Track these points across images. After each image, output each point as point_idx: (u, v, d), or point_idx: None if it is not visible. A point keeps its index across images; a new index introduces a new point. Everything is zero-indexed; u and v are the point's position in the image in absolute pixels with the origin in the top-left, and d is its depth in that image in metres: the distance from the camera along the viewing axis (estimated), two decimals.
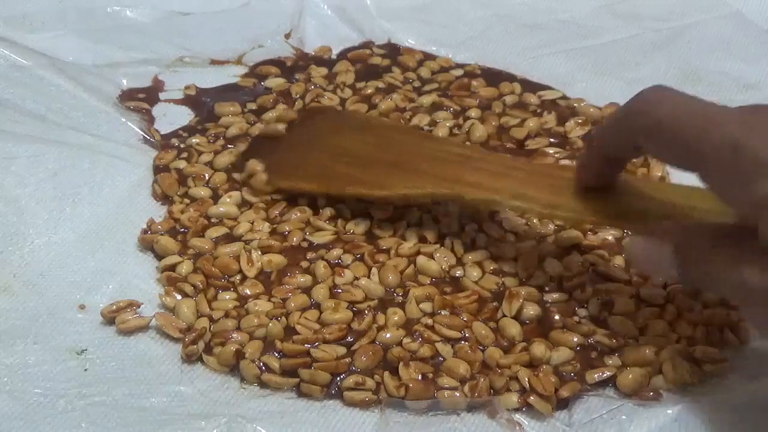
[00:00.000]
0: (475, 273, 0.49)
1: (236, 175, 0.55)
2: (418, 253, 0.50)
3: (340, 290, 0.47)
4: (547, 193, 0.45)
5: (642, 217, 0.43)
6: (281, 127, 0.57)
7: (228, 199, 0.53)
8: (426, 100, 0.62)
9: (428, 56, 0.68)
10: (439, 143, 0.54)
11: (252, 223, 0.52)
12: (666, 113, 0.38)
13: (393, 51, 0.68)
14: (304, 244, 0.50)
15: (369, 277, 0.48)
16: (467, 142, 0.57)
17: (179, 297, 0.47)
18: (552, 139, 0.59)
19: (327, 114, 0.59)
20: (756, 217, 0.34)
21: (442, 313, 0.46)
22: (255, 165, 0.54)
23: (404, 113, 0.61)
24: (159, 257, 0.50)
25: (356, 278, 0.48)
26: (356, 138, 0.54)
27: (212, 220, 0.52)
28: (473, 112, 0.60)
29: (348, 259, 0.49)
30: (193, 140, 0.58)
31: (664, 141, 0.38)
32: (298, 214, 0.52)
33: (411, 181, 0.49)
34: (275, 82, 0.64)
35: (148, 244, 0.51)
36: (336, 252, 0.50)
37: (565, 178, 0.45)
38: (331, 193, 0.51)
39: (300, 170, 0.53)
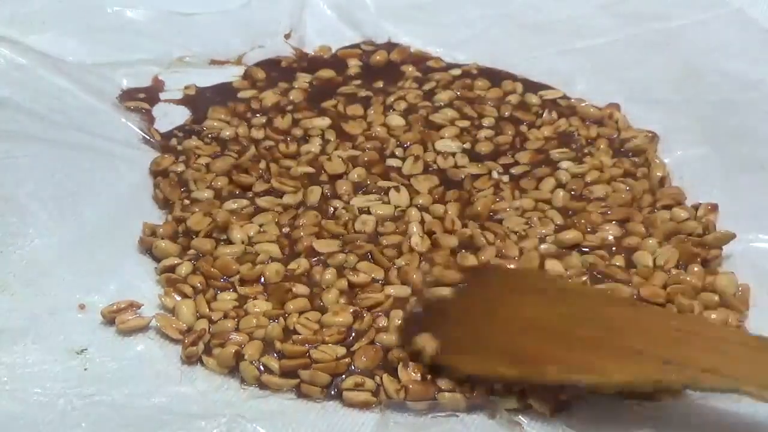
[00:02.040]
0: None
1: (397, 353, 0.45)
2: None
3: (357, 292, 0.48)
4: None
5: None
6: (446, 291, 0.47)
7: (234, 204, 0.53)
8: (443, 96, 0.62)
9: (424, 56, 0.68)
10: (647, 313, 0.44)
11: (261, 226, 0.51)
12: None
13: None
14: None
15: (387, 276, 0.48)
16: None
17: (178, 298, 0.47)
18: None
19: (499, 275, 0.49)
20: None
21: None
22: (425, 341, 0.44)
23: (418, 112, 0.61)
24: (158, 260, 0.50)
25: (375, 280, 0.48)
26: (543, 307, 0.45)
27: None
28: (486, 121, 0.60)
29: (353, 260, 0.49)
30: (192, 143, 0.58)
31: None
32: (307, 220, 0.52)
33: (626, 363, 0.40)
34: (247, 93, 0.64)
35: (147, 246, 0.50)
36: (341, 257, 0.50)
37: None
38: (529, 379, 0.42)
39: (481, 348, 0.43)
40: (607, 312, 0.44)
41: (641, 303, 0.46)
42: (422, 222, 0.52)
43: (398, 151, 0.57)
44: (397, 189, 0.54)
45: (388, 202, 0.53)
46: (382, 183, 0.54)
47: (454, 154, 0.57)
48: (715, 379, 0.38)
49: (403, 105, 0.62)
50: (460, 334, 0.44)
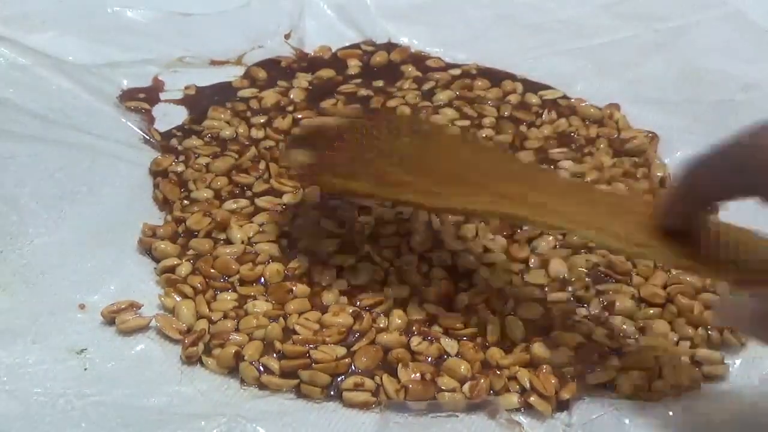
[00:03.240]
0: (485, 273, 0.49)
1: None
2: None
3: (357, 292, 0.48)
4: (628, 228, 0.40)
5: (731, 265, 0.37)
6: (331, 119, 0.52)
7: (234, 204, 0.53)
8: (442, 96, 0.62)
9: (423, 56, 0.68)
10: (505, 160, 0.49)
11: (260, 226, 0.51)
12: None
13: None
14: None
15: (385, 278, 0.48)
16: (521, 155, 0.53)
17: (179, 298, 0.47)
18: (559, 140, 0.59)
19: (383, 116, 0.54)
20: None
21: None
22: (301, 156, 0.48)
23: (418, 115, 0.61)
24: (158, 261, 0.50)
25: (374, 280, 0.48)
26: (413, 144, 0.49)
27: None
28: (487, 120, 0.60)
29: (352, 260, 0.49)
30: (192, 142, 0.58)
31: None
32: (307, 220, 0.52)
33: (471, 194, 0.44)
34: (247, 93, 0.64)
35: (147, 246, 0.50)
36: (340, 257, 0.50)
37: (648, 214, 0.40)
38: (383, 197, 0.47)
39: (350, 171, 0.48)
40: (466, 152, 0.49)
41: (503, 149, 0.53)
42: (428, 222, 0.52)
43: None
44: None
45: (391, 206, 0.53)
46: None
47: None
48: (545, 216, 0.41)
49: (402, 112, 0.61)
50: (334, 155, 0.49)
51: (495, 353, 0.44)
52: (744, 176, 0.34)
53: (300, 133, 0.51)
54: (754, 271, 0.37)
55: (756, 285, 0.36)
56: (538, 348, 0.44)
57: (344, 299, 0.47)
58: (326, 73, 0.66)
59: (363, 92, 0.63)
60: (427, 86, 0.64)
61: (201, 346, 0.44)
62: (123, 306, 0.46)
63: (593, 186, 0.48)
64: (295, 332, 0.45)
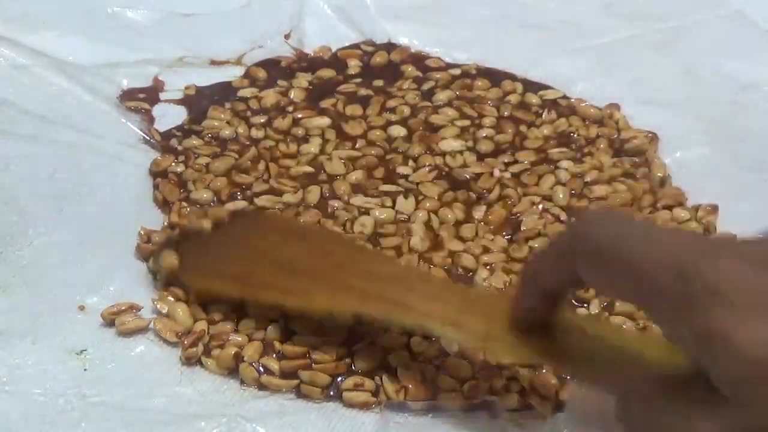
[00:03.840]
0: (484, 273, 0.49)
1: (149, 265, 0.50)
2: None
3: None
4: (483, 323, 0.40)
5: (584, 361, 0.37)
6: (207, 224, 0.50)
7: (233, 206, 0.53)
8: (442, 96, 0.62)
9: (423, 56, 0.68)
10: (372, 258, 0.49)
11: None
12: (607, 236, 0.33)
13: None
14: None
15: None
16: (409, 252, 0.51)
17: (174, 300, 0.47)
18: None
19: (257, 217, 0.53)
20: (701, 352, 0.30)
21: None
22: (170, 257, 0.48)
23: (417, 115, 0.61)
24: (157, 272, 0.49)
25: None
26: (284, 244, 0.49)
27: None
28: (487, 120, 0.60)
29: None
30: (192, 142, 0.58)
31: (603, 267, 0.33)
32: (308, 219, 0.52)
33: (336, 295, 0.44)
34: (247, 92, 0.63)
35: (144, 253, 0.50)
36: None
37: (504, 309, 0.39)
38: (245, 299, 0.46)
39: (215, 271, 0.47)
40: (336, 252, 0.48)
41: (369, 248, 0.50)
42: (428, 222, 0.52)
43: (407, 162, 0.57)
44: (405, 195, 0.54)
45: (391, 206, 0.53)
46: (388, 187, 0.54)
47: (462, 152, 0.57)
48: (407, 315, 0.42)
49: (402, 111, 0.61)
50: (202, 258, 0.48)
51: None
52: (567, 263, 0.34)
53: (173, 237, 0.50)
54: (601, 368, 0.37)
55: (603, 382, 0.36)
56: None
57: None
58: (326, 73, 0.66)
59: (363, 92, 0.63)
60: (427, 86, 0.64)
61: (200, 347, 0.44)
62: (123, 308, 0.46)
63: (453, 283, 0.48)
64: (295, 333, 0.45)
